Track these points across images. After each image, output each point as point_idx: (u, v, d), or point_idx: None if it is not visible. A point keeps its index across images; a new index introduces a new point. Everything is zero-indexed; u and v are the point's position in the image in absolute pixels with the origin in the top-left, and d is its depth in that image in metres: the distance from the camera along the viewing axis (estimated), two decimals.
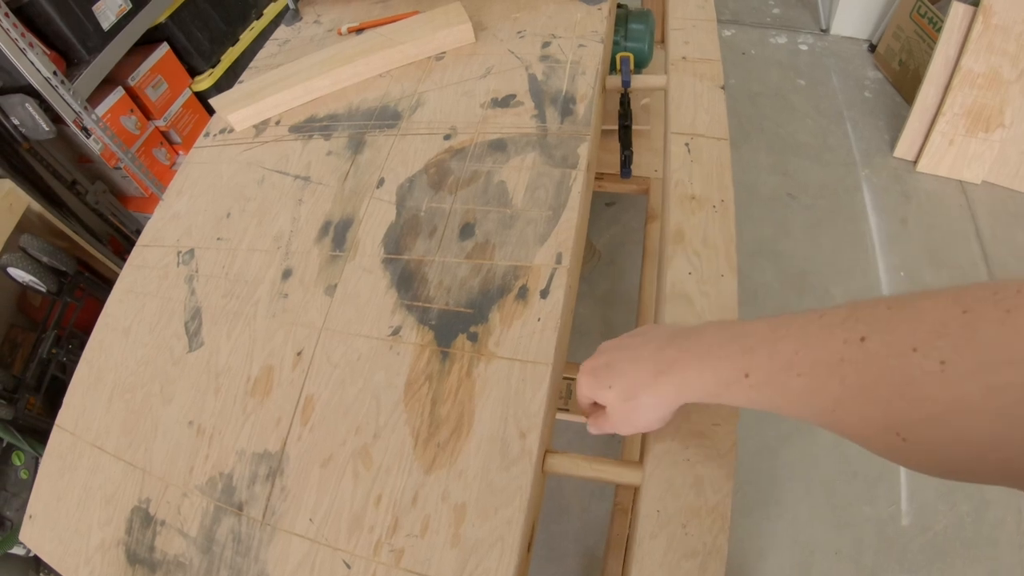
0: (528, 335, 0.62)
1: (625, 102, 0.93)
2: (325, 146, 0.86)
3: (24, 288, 1.39)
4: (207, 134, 0.97)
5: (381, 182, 0.79)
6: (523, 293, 0.65)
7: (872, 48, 2.27)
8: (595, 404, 0.56)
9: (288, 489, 0.63)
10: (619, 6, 1.63)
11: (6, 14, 1.20)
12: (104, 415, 0.75)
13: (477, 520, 0.56)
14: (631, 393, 0.49)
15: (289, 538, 0.60)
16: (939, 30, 1.73)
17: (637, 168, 1.35)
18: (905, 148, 1.89)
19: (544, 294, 0.64)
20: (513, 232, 0.70)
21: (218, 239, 0.83)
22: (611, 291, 1.67)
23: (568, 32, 0.87)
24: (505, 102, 0.81)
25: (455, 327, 0.65)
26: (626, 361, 0.50)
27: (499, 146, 0.77)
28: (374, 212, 0.77)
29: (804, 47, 2.29)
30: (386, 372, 0.65)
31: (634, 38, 1.23)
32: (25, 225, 1.32)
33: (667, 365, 0.46)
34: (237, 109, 0.92)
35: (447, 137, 0.80)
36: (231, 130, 0.95)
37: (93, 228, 1.56)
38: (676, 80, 0.80)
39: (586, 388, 0.53)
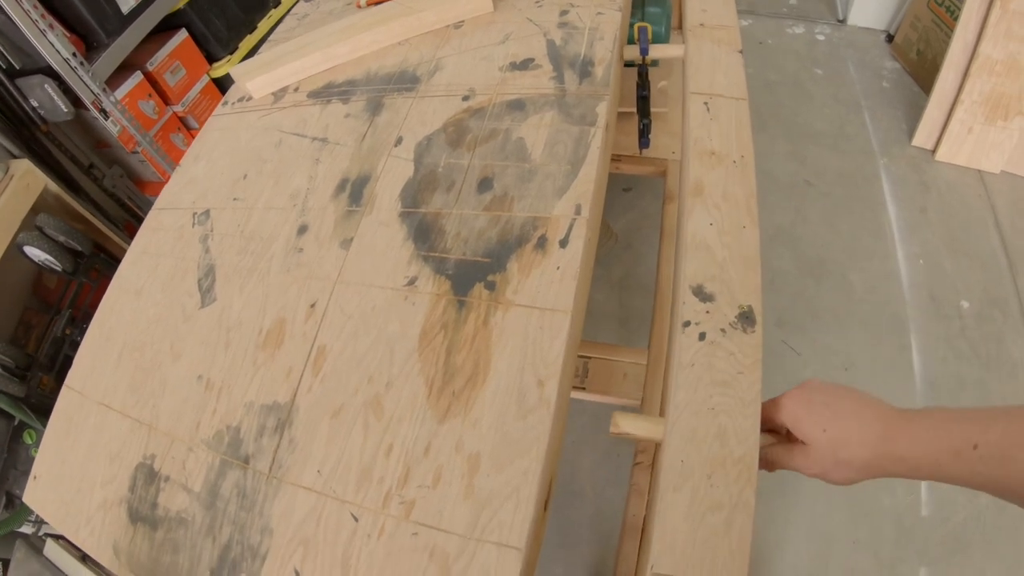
0: (547, 284, 0.61)
1: (643, 73, 0.92)
2: (343, 109, 0.85)
3: (39, 270, 1.39)
4: (225, 103, 0.97)
5: (399, 140, 0.78)
6: (542, 243, 0.63)
7: (890, 38, 2.25)
8: (779, 434, 0.55)
9: (296, 441, 0.61)
10: None
11: None
12: (112, 373, 0.74)
13: (492, 471, 0.53)
14: (846, 445, 0.48)
15: (295, 491, 0.58)
16: (956, 19, 1.69)
17: (654, 151, 1.33)
18: (923, 137, 1.86)
19: (563, 243, 0.63)
20: (532, 185, 0.68)
21: (234, 199, 0.82)
22: (628, 276, 1.64)
23: (586, 1, 0.86)
24: (524, 65, 0.80)
25: (472, 276, 0.64)
26: (849, 413, 0.49)
27: (517, 106, 0.76)
28: (391, 169, 0.75)
29: (821, 37, 2.27)
30: (401, 322, 0.63)
31: (652, 20, 1.22)
32: (41, 206, 1.33)
33: (896, 432, 0.46)
34: (255, 76, 0.92)
35: (465, 98, 0.79)
36: (249, 98, 0.95)
37: (109, 212, 1.56)
38: (694, 45, 0.78)
39: (792, 416, 0.52)
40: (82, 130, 1.52)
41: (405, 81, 0.85)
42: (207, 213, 0.82)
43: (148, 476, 0.65)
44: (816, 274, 1.59)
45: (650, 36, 0.86)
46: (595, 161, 0.68)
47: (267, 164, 0.84)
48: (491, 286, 0.62)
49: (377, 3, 0.99)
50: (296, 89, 0.92)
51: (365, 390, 0.61)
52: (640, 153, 1.18)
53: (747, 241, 0.61)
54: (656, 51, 0.86)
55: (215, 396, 0.67)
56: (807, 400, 0.51)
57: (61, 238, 1.32)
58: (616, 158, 1.41)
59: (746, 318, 0.56)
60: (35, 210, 1.30)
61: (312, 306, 0.68)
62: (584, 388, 1.01)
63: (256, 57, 0.96)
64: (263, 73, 0.92)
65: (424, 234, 0.68)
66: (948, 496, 1.26)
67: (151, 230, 0.85)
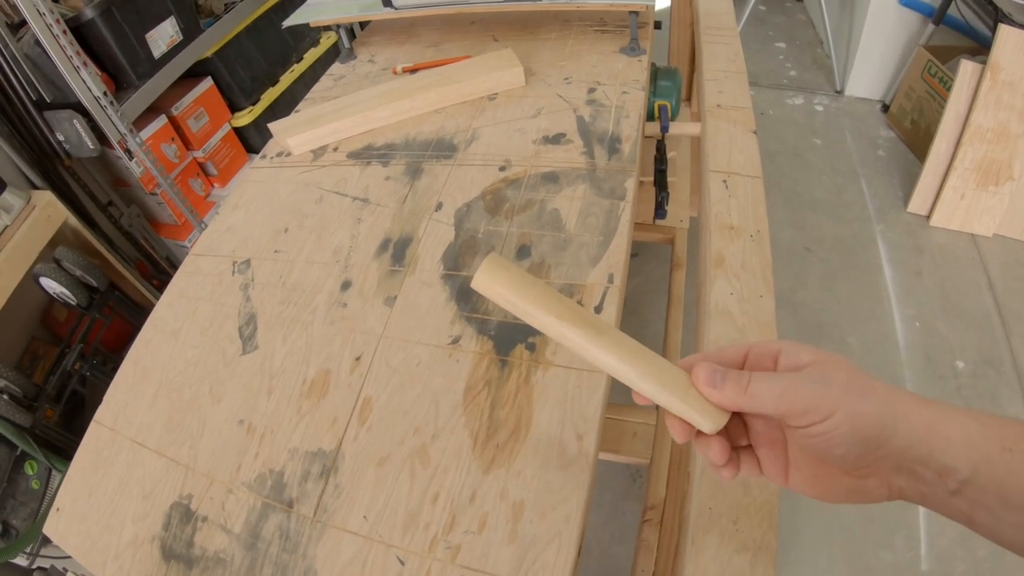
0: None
1: (661, 149, 0.99)
2: (383, 172, 0.91)
3: (51, 301, 1.40)
4: (263, 156, 1.02)
5: (439, 206, 0.84)
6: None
7: (885, 108, 2.40)
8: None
9: (342, 487, 0.63)
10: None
11: (64, 31, 1.27)
12: (148, 412, 0.76)
13: (535, 517, 0.57)
14: (869, 380, 0.36)
15: (341, 535, 0.61)
16: (949, 89, 1.83)
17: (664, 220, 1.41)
18: (918, 203, 1.98)
19: (598, 309, 0.68)
20: (567, 254, 0.74)
21: (275, 251, 0.86)
22: (635, 339, 1.69)
23: (611, 80, 0.94)
24: (556, 139, 0.87)
25: (513, 338, 0.68)
26: (862, 375, 0.37)
27: (551, 178, 0.82)
28: (433, 232, 0.81)
29: (820, 108, 2.42)
30: (445, 377, 0.67)
31: (662, 94, 1.31)
32: (60, 239, 1.35)
33: (938, 408, 0.36)
34: (296, 133, 0.97)
35: (502, 168, 0.86)
36: (288, 154, 1.00)
37: (123, 251, 1.59)
38: (712, 125, 0.86)
39: (790, 344, 0.39)
40: (104, 168, 1.56)
41: (443, 148, 0.91)
42: (247, 262, 0.86)
43: (184, 515, 0.67)
44: (815, 338, 1.66)
45: (670, 115, 0.93)
46: (625, 233, 0.74)
47: (308, 219, 0.88)
48: (531, 347, 0.67)
49: (413, 71, 1.07)
50: (335, 149, 0.98)
51: (411, 440, 0.64)
52: (654, 223, 1.26)
53: (764, 308, 0.67)
54: (676, 128, 0.93)
55: (257, 440, 0.69)
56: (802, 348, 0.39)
57: (77, 272, 1.34)
58: None
59: None
60: (53, 243, 1.32)
61: (357, 359, 0.72)
62: None
63: (296, 115, 1.02)
64: (304, 131, 0.97)
65: (466, 296, 0.73)
66: (947, 550, 1.30)
67: (188, 274, 0.89)
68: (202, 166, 1.68)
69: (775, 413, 0.36)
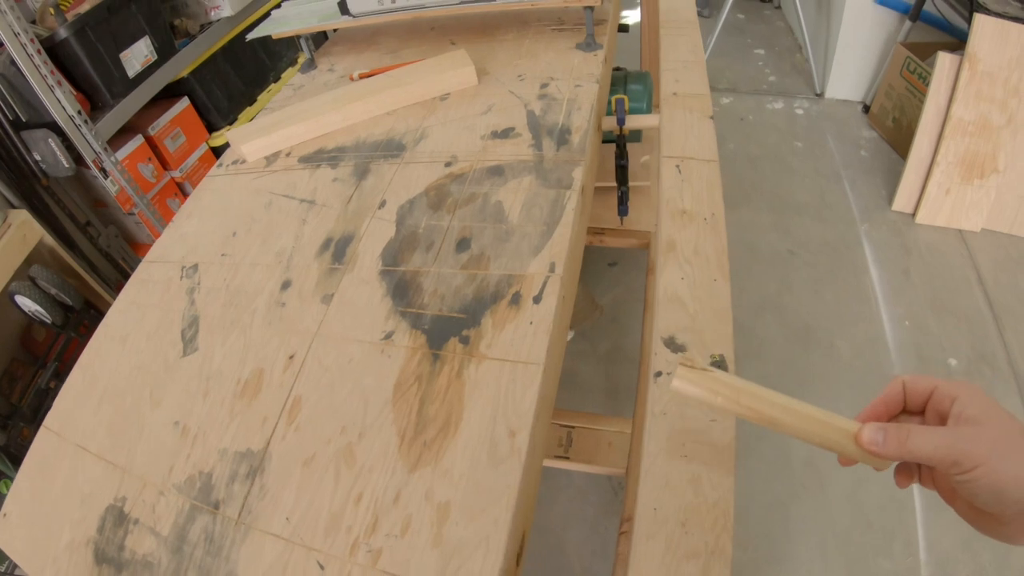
0: (520, 337, 0.63)
1: (621, 144, 0.98)
2: (332, 174, 0.90)
3: (29, 322, 1.40)
4: (220, 164, 1.02)
5: (383, 203, 0.82)
6: (516, 299, 0.66)
7: (866, 109, 2.38)
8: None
9: (267, 488, 0.61)
10: (616, 69, 1.73)
11: (38, 51, 1.28)
12: (92, 418, 0.75)
13: (462, 520, 0.54)
14: None
15: (264, 538, 0.58)
16: (928, 85, 1.81)
17: (638, 223, 1.39)
18: (903, 201, 1.94)
19: (537, 300, 0.66)
20: (509, 245, 0.72)
21: (222, 255, 0.85)
22: (614, 349, 1.67)
23: (565, 75, 0.93)
24: (504, 134, 0.86)
25: (448, 331, 0.66)
26: (1014, 436, 0.41)
27: (497, 171, 0.81)
28: (374, 230, 0.79)
29: (800, 111, 2.40)
30: (376, 375, 0.65)
31: (634, 98, 1.31)
32: (36, 258, 1.36)
33: None
34: (250, 140, 0.97)
35: (447, 164, 0.84)
36: (243, 161, 0.99)
37: (101, 271, 1.59)
38: (668, 113, 0.84)
39: (962, 388, 0.43)
40: (82, 188, 1.57)
41: (391, 149, 0.90)
42: (195, 267, 0.85)
43: (117, 518, 0.65)
44: (803, 341, 1.62)
45: (627, 108, 0.92)
46: (570, 223, 0.72)
47: (256, 223, 0.87)
48: (465, 340, 0.65)
49: (369, 76, 1.06)
50: (288, 154, 0.97)
51: (338, 440, 0.62)
52: (621, 223, 1.23)
53: (718, 294, 0.64)
54: (632, 121, 0.92)
55: (190, 442, 0.67)
56: (987, 394, 0.43)
57: (53, 291, 1.34)
58: (599, 231, 1.46)
59: (718, 367, 0.58)
60: (29, 261, 1.33)
61: (291, 358, 0.70)
62: (568, 458, 1.02)
63: (252, 122, 1.02)
64: (258, 138, 0.97)
65: (403, 291, 0.71)
66: (949, 555, 1.25)
67: (140, 281, 0.88)
68: (180, 185, 1.68)
69: (930, 464, 0.42)
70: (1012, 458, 0.40)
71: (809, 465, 1.40)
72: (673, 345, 0.61)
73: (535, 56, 0.98)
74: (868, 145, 2.24)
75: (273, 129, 0.97)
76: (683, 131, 0.82)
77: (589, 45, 0.95)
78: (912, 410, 0.47)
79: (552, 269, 0.68)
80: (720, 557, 0.49)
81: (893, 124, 2.20)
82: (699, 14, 2.65)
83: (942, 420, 0.44)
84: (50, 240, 1.37)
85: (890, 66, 2.17)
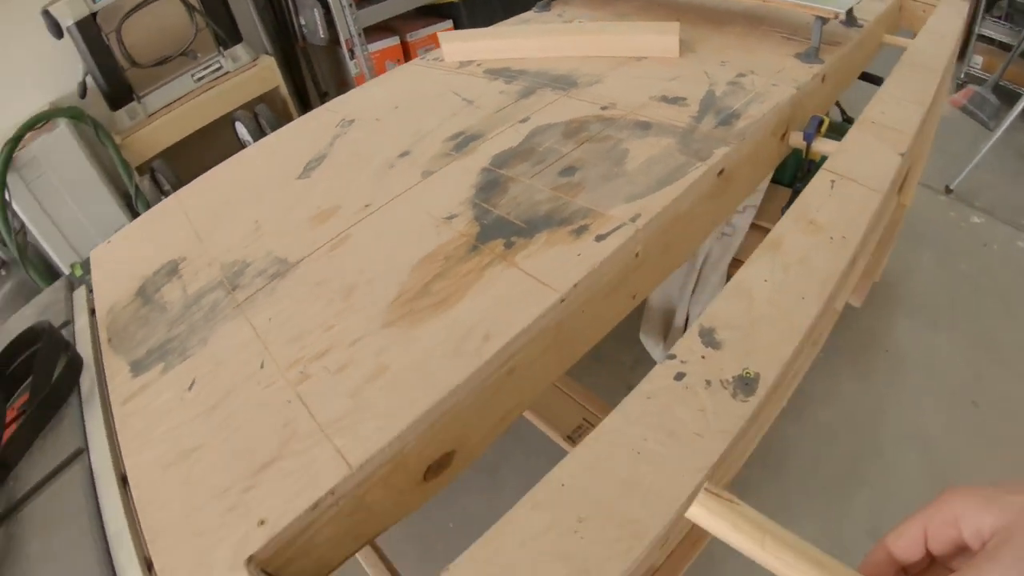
0: (559, 262, 0.57)
1: (804, 166, 0.84)
2: (501, 87, 0.91)
3: (239, 147, 1.64)
4: (423, 57, 1.10)
5: (525, 119, 0.81)
6: (581, 231, 0.60)
7: None
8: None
9: (276, 290, 0.63)
10: (847, 119, 1.53)
11: None
12: (206, 197, 0.85)
13: (387, 387, 0.50)
14: None
15: (244, 325, 0.60)
16: None
17: None
18: None
19: (600, 238, 0.58)
20: (608, 186, 0.65)
21: (376, 119, 0.91)
22: None
23: (768, 73, 0.82)
24: (674, 101, 0.79)
25: (500, 232, 0.62)
26: None
27: (644, 126, 0.74)
28: (503, 137, 0.78)
29: None
30: (418, 243, 0.63)
31: None
32: (268, 100, 1.58)
33: None
34: (451, 43, 1.02)
35: (603, 108, 0.80)
36: (442, 59, 1.05)
37: None
38: (855, 135, 0.71)
39: (974, 500, 0.33)
40: (331, 63, 1.79)
41: (563, 83, 0.88)
42: (352, 122, 0.92)
43: (171, 270, 0.72)
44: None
45: (823, 129, 0.79)
46: (682, 188, 0.63)
47: (417, 105, 0.92)
48: (509, 245, 0.60)
49: None
50: (479, 64, 1.00)
51: (351, 278, 0.61)
52: None
53: (799, 313, 0.51)
54: (822, 144, 0.78)
55: (254, 238, 0.72)
56: (986, 488, 0.33)
57: (268, 129, 1.54)
58: None
59: (745, 384, 0.47)
60: (262, 99, 1.55)
61: (366, 206, 0.71)
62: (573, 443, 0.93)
63: (464, 31, 1.07)
64: (460, 42, 1.02)
65: (489, 188, 0.69)
66: None
67: (309, 118, 0.98)
68: None
69: None
70: None
71: None
72: (709, 338, 0.50)
73: (749, 51, 0.88)
74: None
75: (475, 39, 1.01)
76: (860, 154, 0.67)
77: (809, 56, 0.83)
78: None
79: (634, 219, 0.60)
80: None
81: None
82: (984, 124, 2.23)
83: (957, 551, 0.33)
84: (285, 92, 1.59)
85: None
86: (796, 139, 0.81)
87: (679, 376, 0.47)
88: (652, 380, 0.48)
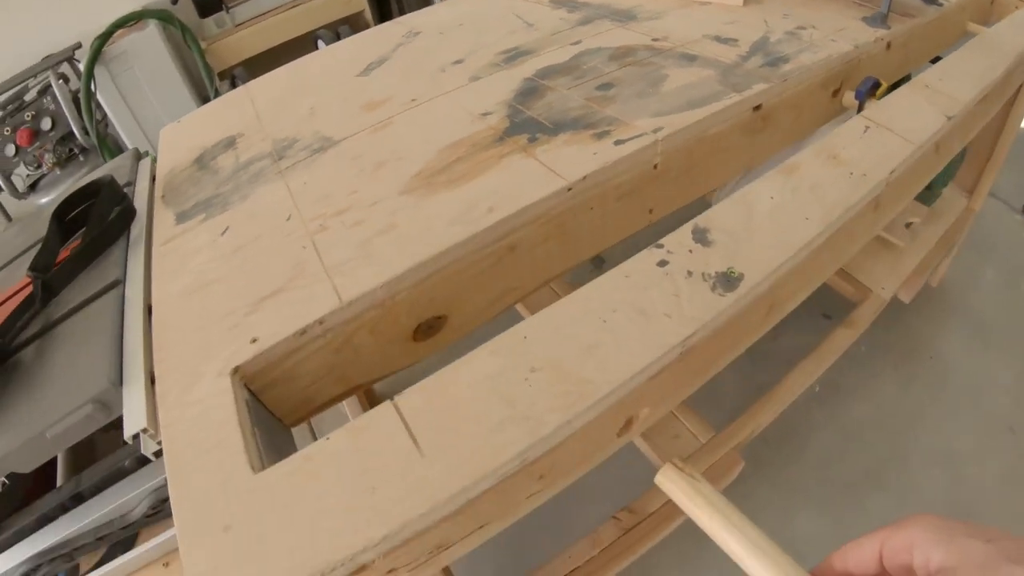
0: (573, 157, 0.59)
1: None
2: (563, 15, 0.93)
3: None
4: None
5: (577, 43, 0.83)
6: (603, 135, 0.62)
7: None
8: None
9: (316, 162, 0.68)
10: None
11: None
12: (272, 86, 0.91)
13: (389, 241, 0.55)
14: None
15: (282, 187, 0.66)
16: None
17: (865, 276, 1.21)
18: None
19: (619, 143, 0.60)
20: (639, 102, 0.67)
21: (440, 33, 0.95)
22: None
23: (829, 30, 0.80)
24: (725, 41, 0.79)
25: (527, 129, 0.65)
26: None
27: (689, 58, 0.75)
28: (552, 54, 0.80)
29: None
30: (452, 131, 0.67)
31: None
32: (352, 22, 1.65)
33: None
34: None
35: (655, 39, 0.81)
36: None
37: None
38: (903, 92, 0.69)
39: (932, 530, 0.33)
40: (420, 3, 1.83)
41: (623, 17, 0.89)
42: (417, 34, 0.96)
43: (228, 143, 0.79)
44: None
45: (879, 93, 0.77)
46: (711, 112, 0.64)
47: (480, 22, 0.95)
48: (533, 140, 0.63)
49: None
50: None
51: (385, 155, 0.66)
52: None
53: (799, 230, 0.52)
54: (873, 108, 0.76)
55: (308, 119, 0.78)
56: (949, 522, 0.34)
57: None
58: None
59: (727, 281, 0.48)
60: (346, 21, 1.61)
61: (412, 100, 0.76)
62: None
63: None
64: None
65: (527, 94, 0.72)
66: None
67: (380, 30, 1.03)
68: None
69: None
70: None
71: None
72: (701, 235, 0.51)
73: (817, 8, 0.86)
74: None
75: None
76: (904, 109, 0.65)
77: (875, 20, 0.81)
78: None
79: (656, 131, 0.61)
80: (525, 423, 0.41)
81: None
82: None
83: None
84: (368, 16, 1.64)
85: None
86: (850, 100, 0.79)
87: (662, 263, 0.49)
88: (634, 262, 0.50)
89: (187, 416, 0.45)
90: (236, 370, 0.48)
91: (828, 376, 1.44)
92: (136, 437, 0.48)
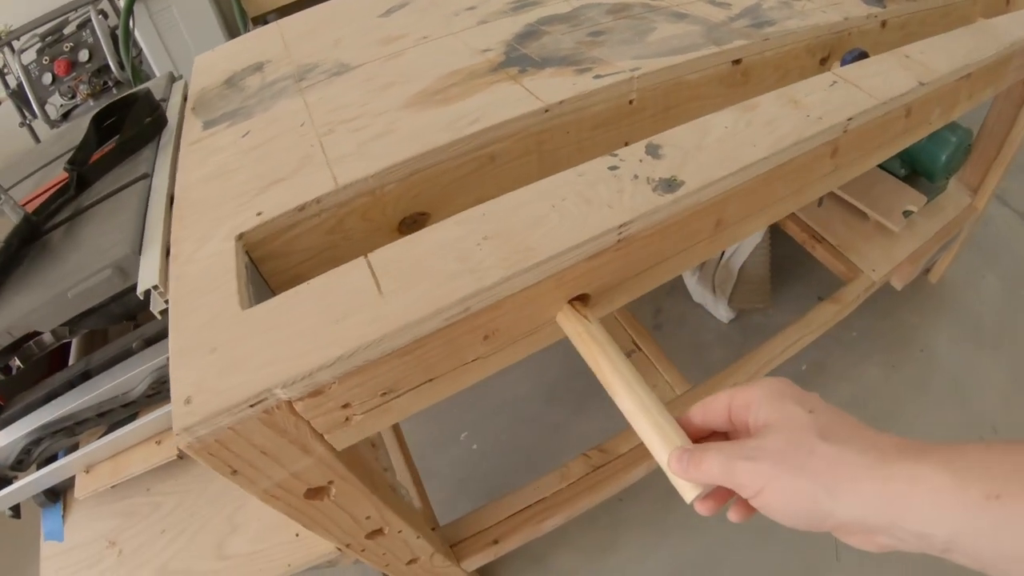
0: (555, 86, 0.66)
1: None
2: None
3: None
4: None
5: None
6: (584, 71, 0.69)
7: None
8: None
9: (331, 83, 0.76)
10: None
11: None
12: (300, 22, 0.99)
13: (387, 143, 0.62)
14: (839, 431, 0.34)
15: (299, 101, 0.74)
16: None
17: (857, 253, 1.26)
18: None
19: (598, 77, 0.67)
20: (624, 48, 0.73)
21: None
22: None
23: (823, 2, 0.84)
24: (719, 4, 0.84)
25: (518, 63, 0.72)
26: (852, 420, 0.36)
27: (680, 15, 0.81)
28: (555, 5, 0.87)
29: None
30: (453, 63, 0.75)
31: (933, 142, 1.11)
32: None
33: (918, 450, 0.32)
34: None
35: None
36: None
37: None
38: (879, 58, 0.73)
39: (766, 391, 0.38)
40: None
41: None
42: None
43: (256, 68, 0.87)
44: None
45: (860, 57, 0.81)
46: (688, 59, 0.70)
47: None
48: (523, 71, 0.70)
49: None
50: None
51: (393, 79, 0.74)
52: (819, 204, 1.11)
53: (744, 153, 0.57)
54: (850, 69, 0.81)
55: (331, 49, 0.86)
56: (787, 387, 0.38)
57: None
58: (818, 238, 1.35)
59: (668, 185, 0.54)
60: None
61: (424, 37, 0.83)
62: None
63: None
64: None
65: (527, 36, 0.79)
66: None
67: None
68: None
69: (727, 487, 0.36)
70: (801, 469, 0.32)
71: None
72: (653, 151, 0.57)
73: None
74: None
75: None
76: (876, 70, 0.69)
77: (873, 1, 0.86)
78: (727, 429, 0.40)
79: (633, 70, 0.68)
80: (475, 279, 0.48)
81: None
82: None
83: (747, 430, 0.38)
84: None
85: None
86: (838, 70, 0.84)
87: (613, 168, 0.56)
88: (589, 164, 0.56)
89: (193, 270, 0.53)
90: (240, 236, 0.56)
91: (816, 356, 1.50)
92: (147, 294, 0.57)
